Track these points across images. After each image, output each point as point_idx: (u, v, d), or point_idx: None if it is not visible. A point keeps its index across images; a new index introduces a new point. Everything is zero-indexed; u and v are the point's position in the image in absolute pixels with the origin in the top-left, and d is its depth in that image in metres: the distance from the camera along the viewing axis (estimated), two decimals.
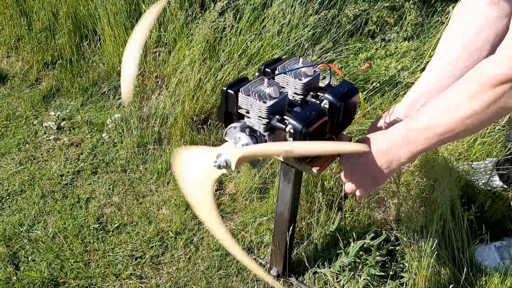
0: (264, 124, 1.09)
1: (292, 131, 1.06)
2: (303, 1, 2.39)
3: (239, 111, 1.13)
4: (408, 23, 2.56)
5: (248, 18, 2.39)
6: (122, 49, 2.57)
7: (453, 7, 2.45)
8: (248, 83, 1.11)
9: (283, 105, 1.12)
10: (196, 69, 2.31)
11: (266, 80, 1.09)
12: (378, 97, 2.28)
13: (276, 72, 1.17)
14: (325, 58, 2.41)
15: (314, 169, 1.17)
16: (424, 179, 1.87)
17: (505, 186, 1.86)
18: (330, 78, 1.25)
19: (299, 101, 1.18)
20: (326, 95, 1.13)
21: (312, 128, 1.03)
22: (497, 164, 1.87)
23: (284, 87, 1.19)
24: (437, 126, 0.97)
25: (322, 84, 1.25)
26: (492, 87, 0.89)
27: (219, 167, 1.05)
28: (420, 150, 1.03)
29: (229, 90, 1.11)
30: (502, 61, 0.88)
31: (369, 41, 2.54)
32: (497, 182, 1.89)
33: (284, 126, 1.07)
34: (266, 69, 1.20)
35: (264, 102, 1.07)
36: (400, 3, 2.53)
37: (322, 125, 1.07)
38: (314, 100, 1.16)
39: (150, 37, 2.54)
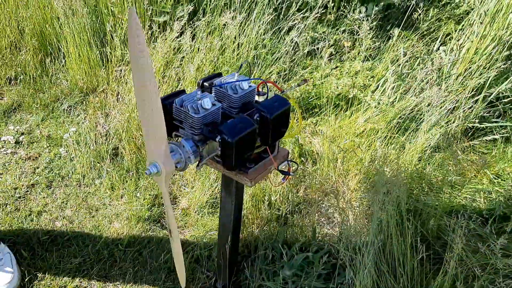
0: (196, 135, 1.14)
1: (221, 141, 1.10)
2: (259, 26, 2.47)
3: (174, 122, 1.17)
4: (366, 48, 2.67)
5: (206, 37, 2.46)
6: (86, 66, 2.61)
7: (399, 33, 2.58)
8: (183, 95, 1.16)
9: (217, 117, 1.17)
10: None
11: (199, 92, 1.14)
12: (330, 110, 2.35)
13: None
14: (281, 76, 2.49)
15: (247, 179, 1.22)
16: (367, 195, 1.92)
17: None
18: (267, 93, 1.31)
19: (234, 114, 1.23)
20: (258, 108, 1.18)
21: (238, 137, 1.08)
22: None
23: (221, 101, 1.25)
24: None
25: (262, 99, 1.31)
26: None
27: (150, 174, 1.09)
28: None
29: (163, 102, 1.16)
30: None
31: (325, 61, 2.63)
32: None
33: (215, 137, 1.12)
34: (204, 83, 1.25)
35: (196, 113, 1.12)
36: (357, 27, 2.64)
37: (249, 136, 1.12)
38: (247, 113, 1.22)
39: (114, 56, 2.59)
